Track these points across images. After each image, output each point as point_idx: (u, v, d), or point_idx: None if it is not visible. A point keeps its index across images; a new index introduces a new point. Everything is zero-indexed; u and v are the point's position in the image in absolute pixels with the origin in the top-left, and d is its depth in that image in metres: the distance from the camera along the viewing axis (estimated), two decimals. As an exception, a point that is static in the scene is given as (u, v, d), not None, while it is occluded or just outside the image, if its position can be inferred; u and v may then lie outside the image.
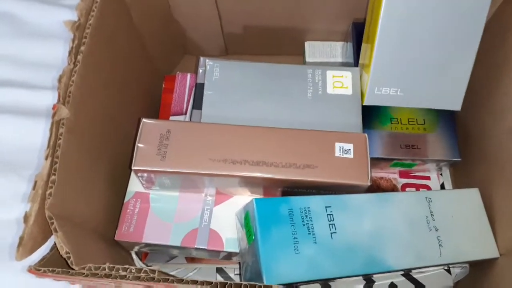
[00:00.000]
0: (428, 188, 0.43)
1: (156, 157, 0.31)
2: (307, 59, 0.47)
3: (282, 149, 0.32)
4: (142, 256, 0.41)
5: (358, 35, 0.42)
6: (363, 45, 0.38)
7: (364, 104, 0.37)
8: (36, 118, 0.47)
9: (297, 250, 0.30)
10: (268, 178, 0.31)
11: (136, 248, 0.37)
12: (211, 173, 0.31)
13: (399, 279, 0.40)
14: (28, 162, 0.46)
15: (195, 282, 0.25)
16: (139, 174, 0.32)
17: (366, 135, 0.33)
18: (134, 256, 0.39)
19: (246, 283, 0.24)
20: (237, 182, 0.32)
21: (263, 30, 0.47)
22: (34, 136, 0.46)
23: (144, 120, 0.32)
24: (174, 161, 0.31)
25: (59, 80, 0.30)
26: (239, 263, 0.38)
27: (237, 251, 0.34)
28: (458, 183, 0.44)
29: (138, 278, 0.25)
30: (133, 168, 0.31)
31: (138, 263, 0.39)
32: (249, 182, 0.32)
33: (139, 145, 0.31)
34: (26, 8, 0.53)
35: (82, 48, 0.31)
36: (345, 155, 0.32)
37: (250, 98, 0.37)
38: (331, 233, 0.31)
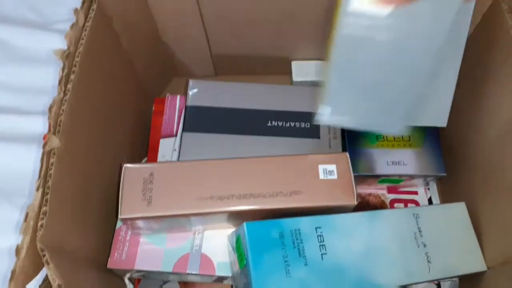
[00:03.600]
0: (416, 202, 0.44)
1: (142, 203, 0.31)
2: (294, 79, 0.48)
3: (267, 178, 0.32)
4: (136, 281, 0.41)
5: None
6: None
7: None
8: (28, 144, 0.47)
9: (289, 273, 0.30)
10: (257, 209, 0.31)
11: (129, 274, 0.37)
12: (199, 212, 0.31)
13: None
14: (20, 189, 0.45)
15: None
16: (128, 222, 0.32)
17: (347, 153, 0.33)
18: (127, 282, 0.39)
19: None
20: (225, 217, 0.33)
21: (250, 51, 0.48)
22: (26, 162, 0.46)
23: (125, 165, 0.32)
24: (161, 204, 0.31)
25: (50, 110, 0.30)
26: (231, 286, 0.38)
27: (229, 275, 0.34)
28: (445, 197, 0.45)
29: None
30: (120, 217, 0.30)
31: (131, 288, 0.39)
32: (238, 216, 0.32)
33: (124, 192, 0.31)
34: (16, 33, 0.53)
35: (72, 76, 0.31)
36: (329, 177, 0.32)
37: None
38: (322, 254, 0.31)
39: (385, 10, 0.28)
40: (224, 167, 0.32)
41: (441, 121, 0.37)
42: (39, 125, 0.48)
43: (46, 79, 0.49)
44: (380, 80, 0.32)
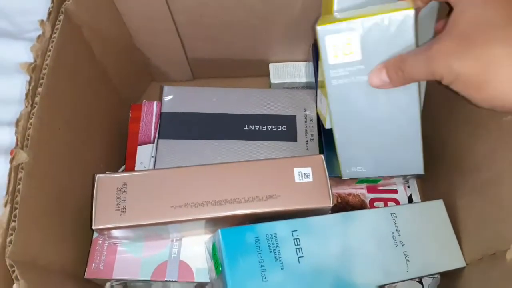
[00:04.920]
0: (395, 201, 0.44)
1: (116, 212, 0.30)
2: (272, 81, 0.48)
3: (242, 183, 0.32)
4: (117, 289, 0.41)
5: (317, 56, 0.43)
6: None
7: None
8: None
9: (265, 278, 0.30)
10: (233, 215, 0.31)
11: (109, 284, 0.37)
12: (174, 220, 0.31)
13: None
14: None
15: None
16: (104, 233, 0.31)
17: (322, 156, 0.33)
18: (107, 290, 0.39)
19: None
20: (203, 224, 0.32)
21: (227, 54, 0.48)
22: None
23: (98, 175, 0.31)
24: (135, 214, 0.30)
25: (17, 124, 0.29)
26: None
27: (208, 281, 0.34)
28: (426, 194, 0.45)
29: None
30: (93, 228, 0.30)
31: (113, 297, 0.39)
32: (215, 222, 0.32)
33: (97, 202, 0.31)
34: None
35: (40, 89, 0.31)
36: (304, 180, 0.32)
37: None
38: (298, 257, 0.31)
39: (355, 56, 0.31)
40: (198, 174, 0.32)
41: (418, 169, 0.37)
42: (7, 136, 0.47)
43: (16, 88, 0.48)
44: (380, 126, 0.34)
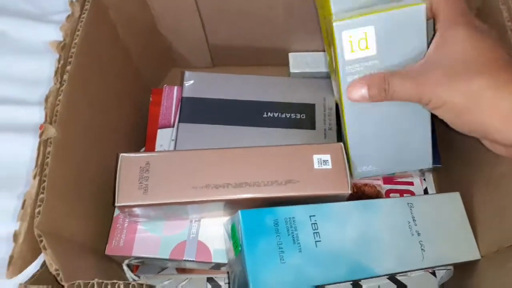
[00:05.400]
0: (411, 193, 0.44)
1: (138, 191, 0.31)
2: (291, 70, 0.48)
3: (263, 167, 0.32)
4: (134, 267, 0.42)
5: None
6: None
7: None
8: (25, 134, 0.48)
9: (283, 259, 0.30)
10: (252, 198, 0.32)
11: (127, 261, 0.38)
12: (195, 200, 0.31)
13: (384, 282, 0.41)
14: (18, 178, 0.46)
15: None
16: (125, 210, 0.32)
17: (342, 144, 0.34)
18: (125, 268, 0.40)
19: None
20: (222, 205, 0.33)
21: (248, 42, 0.48)
22: (23, 151, 0.47)
23: (122, 154, 0.32)
24: (157, 193, 0.31)
25: (46, 100, 0.30)
26: (227, 272, 0.38)
27: (225, 262, 0.35)
28: (441, 188, 0.45)
29: (126, 293, 0.26)
30: (116, 205, 0.31)
31: (130, 275, 0.40)
32: (234, 204, 0.33)
33: (120, 180, 0.31)
34: (13, 24, 0.53)
35: (68, 67, 0.32)
36: (323, 166, 0.33)
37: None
38: (316, 241, 0.32)
39: (371, 51, 0.32)
40: (220, 156, 0.33)
41: (426, 162, 0.37)
42: (36, 115, 0.49)
43: (43, 70, 0.50)
44: (391, 123, 0.35)
